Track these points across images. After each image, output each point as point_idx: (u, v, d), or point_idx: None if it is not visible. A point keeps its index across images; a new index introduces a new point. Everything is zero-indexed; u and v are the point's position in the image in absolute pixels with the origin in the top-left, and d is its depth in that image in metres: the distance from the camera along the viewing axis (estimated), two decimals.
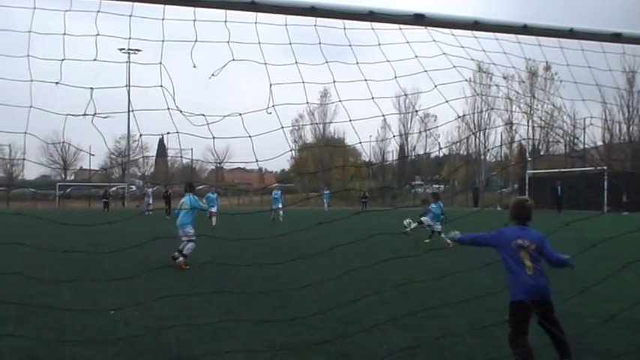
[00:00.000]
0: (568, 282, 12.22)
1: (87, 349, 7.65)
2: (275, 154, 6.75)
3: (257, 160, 6.10)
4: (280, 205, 34.45)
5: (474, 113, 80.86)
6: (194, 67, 5.73)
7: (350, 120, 6.18)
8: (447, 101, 6.49)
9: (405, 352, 7.38)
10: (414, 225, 22.28)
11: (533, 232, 6.84)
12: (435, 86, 6.25)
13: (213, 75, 5.84)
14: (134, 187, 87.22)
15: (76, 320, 9.09)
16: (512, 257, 6.52)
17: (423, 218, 22.52)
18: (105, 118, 5.92)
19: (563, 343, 6.67)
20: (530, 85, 64.55)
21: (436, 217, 22.02)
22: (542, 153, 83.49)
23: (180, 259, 14.32)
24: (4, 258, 16.07)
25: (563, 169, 61.42)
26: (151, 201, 47.92)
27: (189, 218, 15.23)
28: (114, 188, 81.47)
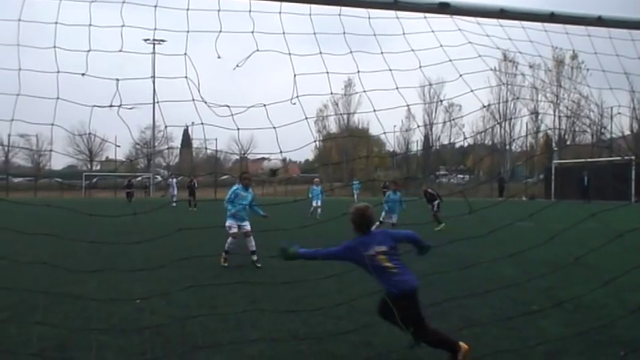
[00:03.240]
0: (594, 273, 12.13)
1: (113, 337, 7.73)
2: (299, 145, 6.77)
3: (281, 151, 6.11)
4: (320, 203, 32.15)
5: (499, 103, 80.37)
6: (219, 57, 5.74)
7: (374, 110, 6.17)
8: (472, 90, 6.45)
9: None
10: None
11: (378, 235, 6.91)
12: (460, 75, 6.22)
13: (237, 66, 5.85)
14: (159, 178, 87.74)
15: (103, 309, 9.19)
16: (373, 265, 6.53)
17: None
18: (130, 109, 5.96)
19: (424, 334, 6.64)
20: (556, 73, 64.03)
21: (392, 207, 21.33)
22: (568, 143, 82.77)
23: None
24: (32, 248, 16.26)
25: (589, 159, 60.85)
26: (175, 192, 47.27)
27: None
28: (139, 178, 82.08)
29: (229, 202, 14.44)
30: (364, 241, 6.70)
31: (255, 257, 14.06)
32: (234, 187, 14.75)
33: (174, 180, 48.92)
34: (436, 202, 25.25)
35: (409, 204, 26.83)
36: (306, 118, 5.96)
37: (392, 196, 21.71)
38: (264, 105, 5.81)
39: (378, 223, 20.86)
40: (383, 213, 21.25)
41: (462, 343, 6.65)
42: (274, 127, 5.73)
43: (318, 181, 37.02)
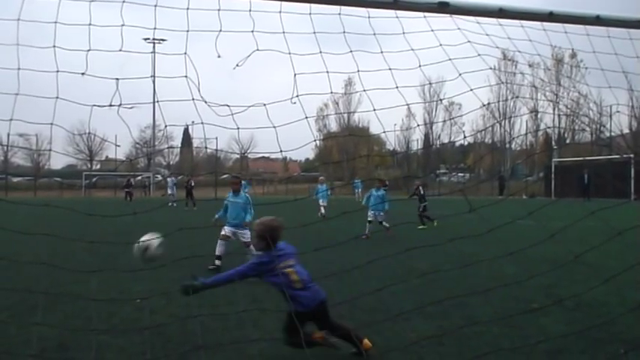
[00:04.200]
0: (594, 270, 12.14)
1: (114, 337, 7.74)
2: (299, 144, 6.76)
3: (281, 151, 6.12)
4: (325, 203, 30.89)
5: (499, 101, 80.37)
6: (219, 56, 5.74)
7: (374, 109, 6.17)
8: (471, 90, 6.46)
9: (431, 341, 7.38)
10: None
11: (287, 247, 6.94)
12: (460, 74, 6.22)
13: (237, 65, 5.86)
14: (159, 177, 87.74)
15: (103, 309, 9.19)
16: (284, 279, 6.54)
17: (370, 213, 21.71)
18: (130, 108, 5.96)
19: (346, 334, 6.65)
20: (555, 72, 64.04)
21: (377, 204, 21.07)
22: (568, 141, 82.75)
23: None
24: (32, 248, 16.26)
25: (589, 158, 60.88)
26: (171, 192, 46.24)
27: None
28: (139, 178, 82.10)
29: (224, 212, 14.24)
30: (279, 259, 6.67)
31: (217, 262, 13.71)
32: (225, 200, 14.43)
33: (172, 180, 48.44)
34: (423, 205, 25.29)
35: (399, 204, 26.79)
36: (307, 118, 5.97)
37: (375, 192, 21.52)
38: (265, 104, 5.81)
39: (367, 223, 20.84)
40: (370, 212, 21.04)
41: (366, 340, 6.82)
42: (274, 127, 5.73)
43: (323, 179, 35.97)
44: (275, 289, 6.75)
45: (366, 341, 6.86)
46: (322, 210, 29.81)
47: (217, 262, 13.40)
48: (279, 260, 6.65)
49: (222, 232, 13.81)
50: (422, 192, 25.88)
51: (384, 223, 20.59)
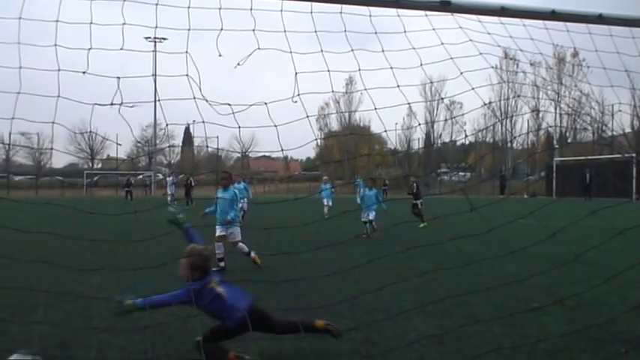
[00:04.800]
0: (595, 270, 12.14)
1: (115, 335, 7.74)
2: (300, 143, 6.76)
3: (282, 150, 6.11)
4: (330, 202, 30.35)
5: (500, 100, 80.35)
6: (220, 55, 5.74)
7: (375, 108, 6.17)
8: (472, 88, 6.45)
9: (431, 340, 7.38)
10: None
11: (213, 274, 6.88)
12: (461, 73, 6.22)
13: (238, 64, 5.85)
14: (161, 176, 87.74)
15: (104, 307, 9.18)
16: (213, 299, 6.51)
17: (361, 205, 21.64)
18: (132, 107, 5.97)
19: (297, 328, 6.72)
20: (557, 71, 64.00)
21: (368, 203, 21.17)
22: (569, 140, 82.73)
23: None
24: (33, 246, 16.27)
25: (591, 157, 60.87)
26: (170, 191, 45.53)
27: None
28: (140, 176, 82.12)
29: (215, 208, 14.09)
30: (208, 281, 6.63)
31: (252, 254, 13.81)
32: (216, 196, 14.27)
33: (172, 179, 48.11)
34: (419, 201, 25.36)
35: (399, 203, 26.78)
36: (308, 117, 5.97)
37: (367, 192, 21.61)
38: (266, 103, 5.81)
39: (363, 222, 20.89)
40: (363, 213, 21.09)
41: (318, 322, 6.97)
42: (275, 126, 5.73)
43: (327, 179, 35.55)
44: (208, 313, 6.70)
45: (318, 322, 6.97)
46: (325, 210, 29.62)
47: (221, 263, 13.37)
48: (211, 280, 6.64)
49: (216, 234, 13.72)
50: (416, 189, 25.91)
51: (373, 223, 20.64)
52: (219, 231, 13.68)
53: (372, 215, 20.93)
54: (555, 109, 73.02)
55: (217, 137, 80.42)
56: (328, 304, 8.52)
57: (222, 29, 5.47)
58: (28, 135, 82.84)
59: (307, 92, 5.70)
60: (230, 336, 6.55)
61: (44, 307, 9.14)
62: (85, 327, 8.04)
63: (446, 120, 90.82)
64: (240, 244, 13.82)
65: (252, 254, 13.79)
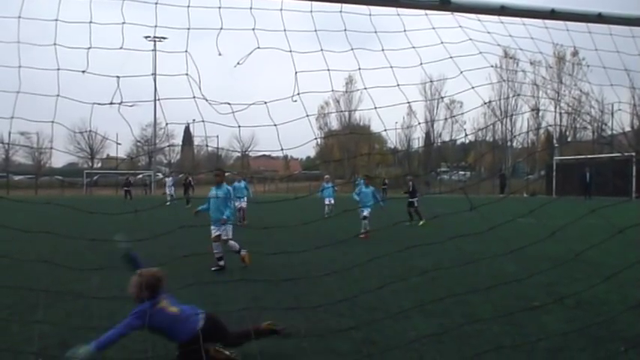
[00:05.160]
0: (595, 269, 12.15)
1: None
2: (300, 142, 6.75)
3: (282, 149, 6.11)
4: (332, 200, 29.95)
5: (500, 99, 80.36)
6: (219, 54, 5.74)
7: (375, 107, 6.16)
8: (472, 87, 6.45)
9: (431, 339, 7.39)
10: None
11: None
12: (461, 72, 6.21)
13: (238, 63, 5.85)
14: (160, 175, 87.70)
15: (104, 307, 9.20)
16: (164, 318, 6.41)
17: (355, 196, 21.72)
18: (131, 106, 5.96)
19: (250, 335, 6.72)
20: (557, 70, 63.99)
21: (365, 200, 21.19)
22: (569, 139, 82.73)
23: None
24: (33, 246, 16.27)
25: (590, 156, 60.90)
26: (169, 191, 45.12)
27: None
28: (140, 176, 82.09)
29: (207, 206, 14.01)
30: (157, 301, 6.52)
31: (242, 252, 13.75)
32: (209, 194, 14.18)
33: (170, 179, 47.80)
34: (415, 200, 25.44)
35: (399, 202, 26.77)
36: (307, 116, 5.96)
37: (364, 189, 21.56)
38: (265, 102, 5.81)
39: (361, 219, 20.87)
40: (362, 210, 21.05)
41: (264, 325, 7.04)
42: (275, 125, 5.72)
43: (329, 178, 35.26)
44: (161, 333, 6.59)
45: (264, 324, 7.08)
46: (326, 209, 29.48)
47: (221, 262, 13.37)
48: (160, 300, 6.54)
49: (213, 234, 13.67)
50: (413, 188, 26.02)
51: (366, 220, 20.60)
52: (215, 231, 13.62)
53: (366, 212, 20.90)
54: (555, 108, 73.08)
55: (217, 136, 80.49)
56: (328, 303, 8.54)
57: (222, 28, 5.47)
58: (27, 134, 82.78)
59: (307, 91, 5.70)
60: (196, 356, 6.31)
61: (44, 307, 9.15)
62: (85, 326, 8.04)
63: (446, 119, 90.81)
64: (231, 242, 13.74)
65: (242, 252, 13.75)
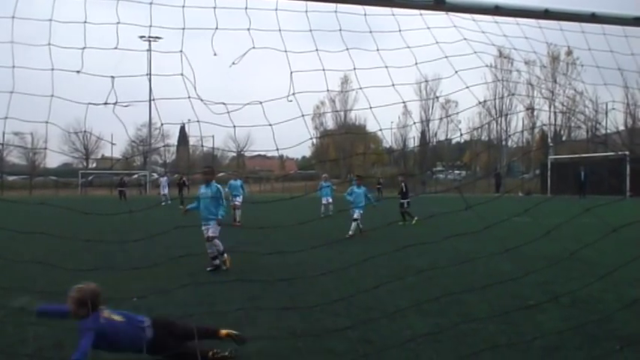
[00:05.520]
0: (590, 267, 12.18)
1: None
2: (296, 142, 6.76)
3: (278, 149, 6.11)
4: (330, 199, 29.44)
5: (495, 99, 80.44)
6: (215, 54, 5.74)
7: (370, 107, 6.17)
8: (467, 87, 6.46)
9: (427, 338, 7.40)
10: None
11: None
12: (456, 72, 6.22)
13: (233, 63, 5.85)
14: (156, 175, 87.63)
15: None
16: (111, 331, 6.25)
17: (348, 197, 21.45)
18: (126, 106, 5.95)
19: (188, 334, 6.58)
20: (551, 70, 64.05)
21: (358, 201, 20.85)
22: (564, 139, 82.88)
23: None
24: (28, 246, 16.24)
25: (584, 155, 61.01)
26: (165, 191, 44.77)
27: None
28: (135, 176, 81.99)
29: (197, 204, 13.67)
30: (97, 315, 6.35)
31: (225, 255, 13.46)
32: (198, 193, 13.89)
33: (165, 179, 47.63)
34: (407, 201, 25.46)
35: (394, 202, 26.74)
36: (303, 115, 5.97)
37: (356, 190, 21.25)
38: (261, 102, 5.81)
39: (352, 222, 20.59)
40: (355, 211, 20.73)
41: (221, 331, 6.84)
42: (271, 125, 5.73)
43: (327, 176, 34.81)
44: (105, 345, 6.36)
45: (222, 331, 6.89)
46: (322, 209, 29.22)
47: (216, 262, 13.28)
48: (100, 314, 6.38)
49: (205, 235, 13.40)
50: (405, 189, 26.04)
51: (359, 222, 20.39)
52: (206, 231, 13.36)
53: (357, 214, 20.61)
54: (550, 107, 73.19)
55: (213, 136, 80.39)
56: (325, 302, 8.54)
57: (217, 28, 5.47)
58: (21, 135, 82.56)
59: (303, 91, 5.71)
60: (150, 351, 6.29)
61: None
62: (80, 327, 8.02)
63: (441, 119, 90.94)
64: (217, 240, 13.36)
65: (225, 256, 13.43)
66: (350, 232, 19.90)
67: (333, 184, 32.78)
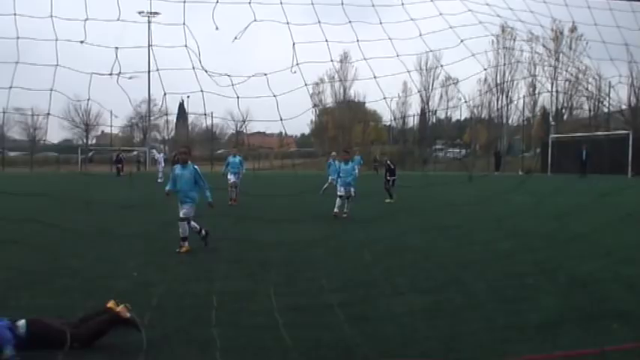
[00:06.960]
0: (588, 247, 12.17)
1: None
2: (297, 118, 6.75)
3: (281, 119, 6.07)
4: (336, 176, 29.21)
5: (497, 74, 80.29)
6: (216, 29, 5.70)
7: (375, 77, 6.14)
8: (473, 54, 6.42)
9: (425, 315, 7.40)
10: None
11: None
12: (462, 41, 6.19)
13: (235, 38, 5.81)
14: (154, 152, 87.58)
15: (100, 283, 9.16)
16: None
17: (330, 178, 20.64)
18: (130, 78, 5.92)
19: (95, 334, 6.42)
20: (555, 46, 63.84)
21: (347, 178, 19.73)
22: (565, 117, 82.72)
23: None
24: (29, 225, 16.21)
25: (587, 134, 60.93)
26: (160, 168, 44.96)
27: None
28: (134, 152, 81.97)
29: (172, 184, 12.71)
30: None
31: (203, 231, 12.68)
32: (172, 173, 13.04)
33: (161, 155, 47.44)
34: (392, 178, 25.48)
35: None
36: (306, 85, 5.94)
37: (343, 166, 20.10)
38: (265, 74, 5.78)
39: (339, 196, 19.51)
40: (340, 188, 19.66)
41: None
42: (275, 96, 5.71)
43: (335, 155, 33.81)
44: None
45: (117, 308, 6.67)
46: (326, 185, 28.80)
47: (202, 232, 12.54)
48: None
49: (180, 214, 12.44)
50: (392, 167, 26.11)
51: (349, 199, 19.91)
52: (181, 211, 12.41)
53: (352, 191, 20.03)
54: (552, 85, 73.05)
55: (212, 113, 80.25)
56: (323, 278, 8.54)
57: (218, 2, 5.43)
58: (22, 110, 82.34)
59: (305, 62, 5.67)
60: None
61: (41, 283, 9.14)
62: (81, 303, 8.02)
63: (442, 96, 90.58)
64: (193, 223, 12.50)
65: (203, 232, 12.63)
66: (335, 210, 19.22)
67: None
